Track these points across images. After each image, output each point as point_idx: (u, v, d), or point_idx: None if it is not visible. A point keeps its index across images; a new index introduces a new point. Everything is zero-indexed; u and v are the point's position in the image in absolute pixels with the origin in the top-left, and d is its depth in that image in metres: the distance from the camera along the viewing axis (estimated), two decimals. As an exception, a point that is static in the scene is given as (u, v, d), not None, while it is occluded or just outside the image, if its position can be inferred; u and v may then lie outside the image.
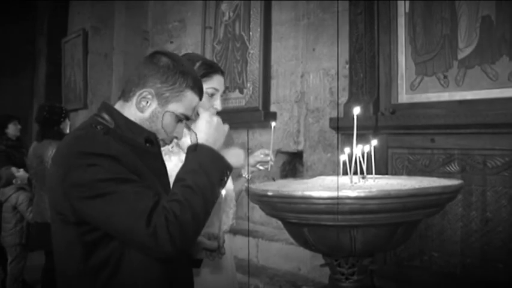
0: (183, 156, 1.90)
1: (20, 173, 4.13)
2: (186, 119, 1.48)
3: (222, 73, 1.95)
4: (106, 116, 1.41)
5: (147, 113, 1.41)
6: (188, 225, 1.28)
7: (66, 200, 1.30)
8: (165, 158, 1.72)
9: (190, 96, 1.43)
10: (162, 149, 1.53)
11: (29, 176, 4.17)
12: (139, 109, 1.41)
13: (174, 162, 1.78)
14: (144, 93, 1.39)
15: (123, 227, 1.26)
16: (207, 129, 1.44)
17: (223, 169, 1.40)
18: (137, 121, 1.42)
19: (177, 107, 1.42)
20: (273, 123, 2.18)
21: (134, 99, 1.41)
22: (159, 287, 1.39)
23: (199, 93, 1.47)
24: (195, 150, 1.40)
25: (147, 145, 1.42)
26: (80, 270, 1.33)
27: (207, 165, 1.36)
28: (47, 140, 3.84)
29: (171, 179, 1.45)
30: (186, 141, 1.93)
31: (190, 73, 1.45)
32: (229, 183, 1.98)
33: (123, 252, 1.33)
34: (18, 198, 4.06)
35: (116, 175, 1.27)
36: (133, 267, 1.34)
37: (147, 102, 1.40)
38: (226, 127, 1.51)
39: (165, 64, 1.40)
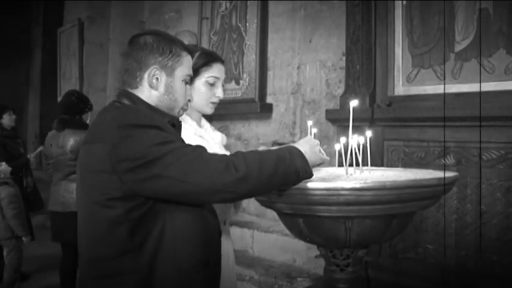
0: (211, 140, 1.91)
1: (2, 167, 4.04)
2: (190, 79, 1.56)
3: (222, 61, 1.95)
4: (127, 102, 1.45)
5: (162, 88, 1.47)
6: (262, 177, 1.30)
7: (113, 175, 1.29)
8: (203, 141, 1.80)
9: (186, 56, 1.52)
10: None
11: (11, 170, 4.09)
12: (154, 88, 1.47)
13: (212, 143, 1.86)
14: (153, 71, 1.46)
15: (201, 176, 1.26)
16: (306, 145, 1.46)
17: (300, 175, 1.38)
18: (155, 101, 1.47)
19: (182, 70, 1.50)
20: (310, 124, 1.94)
21: (144, 82, 1.46)
22: (199, 254, 1.41)
23: (190, 51, 1.57)
24: (292, 151, 1.40)
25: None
26: (123, 249, 1.33)
27: (295, 162, 1.36)
28: (69, 129, 3.77)
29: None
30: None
31: (175, 38, 1.56)
32: None
33: (165, 223, 1.35)
34: (1, 194, 3.98)
35: (168, 138, 1.30)
36: (175, 236, 1.36)
37: (157, 78, 1.46)
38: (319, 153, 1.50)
39: (154, 39, 1.48)
